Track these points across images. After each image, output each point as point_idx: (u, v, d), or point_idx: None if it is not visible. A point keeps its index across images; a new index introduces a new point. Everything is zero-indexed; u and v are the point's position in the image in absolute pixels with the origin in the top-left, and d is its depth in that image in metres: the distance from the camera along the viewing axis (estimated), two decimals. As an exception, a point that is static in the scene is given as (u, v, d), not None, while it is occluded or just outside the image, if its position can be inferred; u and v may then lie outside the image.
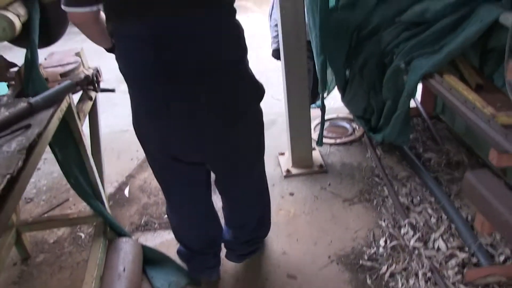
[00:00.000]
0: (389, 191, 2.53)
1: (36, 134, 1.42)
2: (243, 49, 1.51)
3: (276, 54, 3.13)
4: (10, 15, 1.85)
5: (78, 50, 2.49)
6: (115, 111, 3.63)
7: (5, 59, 2.15)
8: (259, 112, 1.71)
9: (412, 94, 2.22)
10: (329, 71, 2.91)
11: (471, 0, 1.98)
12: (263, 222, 2.08)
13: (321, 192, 2.60)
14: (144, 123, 1.56)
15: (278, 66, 2.73)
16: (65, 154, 2.04)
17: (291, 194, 2.62)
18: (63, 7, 1.43)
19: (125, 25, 1.35)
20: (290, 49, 2.51)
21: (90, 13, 1.42)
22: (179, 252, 2.11)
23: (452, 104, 1.87)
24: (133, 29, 1.33)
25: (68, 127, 1.99)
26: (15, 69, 2.14)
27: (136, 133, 1.63)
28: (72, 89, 1.80)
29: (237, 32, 1.47)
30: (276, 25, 3.35)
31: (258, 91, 1.64)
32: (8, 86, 2.11)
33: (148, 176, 2.91)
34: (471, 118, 1.72)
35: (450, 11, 2.05)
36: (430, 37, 2.13)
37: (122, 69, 1.45)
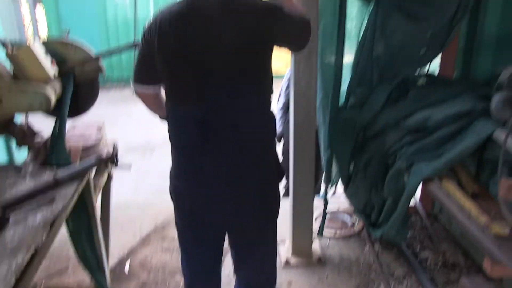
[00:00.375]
0: (386, 289, 2.56)
1: (60, 209, 1.52)
2: (273, 135, 1.82)
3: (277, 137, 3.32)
4: (48, 91, 2.03)
5: (100, 124, 2.66)
6: (121, 183, 3.69)
7: (32, 127, 2.31)
8: (279, 190, 1.92)
9: (412, 196, 2.33)
10: (334, 164, 3.04)
11: (469, 114, 2.16)
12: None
13: (319, 284, 2.63)
14: (180, 184, 1.75)
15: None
16: (77, 225, 2.12)
17: (289, 283, 2.65)
18: (131, 82, 1.76)
19: (182, 106, 1.64)
20: (300, 143, 2.66)
21: (152, 91, 1.74)
22: None
23: (449, 210, 1.97)
24: (187, 111, 1.62)
25: (83, 199, 2.09)
26: (40, 137, 2.30)
27: (170, 192, 1.81)
28: (97, 164, 1.92)
29: (271, 122, 1.76)
30: (282, 108, 3.57)
31: (281, 171, 1.89)
32: (28, 149, 2.25)
33: (149, 253, 2.95)
34: (466, 225, 1.82)
35: (450, 122, 2.22)
36: (431, 143, 2.28)
37: (171, 137, 1.72)
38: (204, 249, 1.88)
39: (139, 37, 1.78)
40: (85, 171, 1.83)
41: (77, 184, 1.75)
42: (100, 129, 2.60)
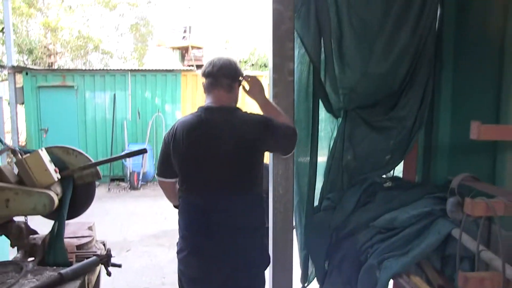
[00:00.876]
0: None
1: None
2: (263, 223, 2.33)
3: None
4: (52, 194, 2.22)
5: (91, 223, 2.82)
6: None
7: (28, 226, 2.45)
8: (264, 274, 2.39)
9: (384, 290, 2.52)
10: (310, 263, 3.23)
11: (430, 215, 2.45)
12: None
13: None
14: (185, 258, 2.22)
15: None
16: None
17: None
18: (156, 176, 2.36)
19: (190, 196, 2.18)
20: (279, 244, 2.85)
21: (172, 183, 2.33)
22: None
23: (419, 303, 2.17)
24: (194, 199, 2.16)
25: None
26: (35, 236, 2.43)
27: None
28: (97, 265, 2.06)
29: (261, 212, 2.29)
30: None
31: (268, 257, 2.43)
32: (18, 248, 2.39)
33: None
34: (435, 316, 2.01)
35: (414, 221, 2.50)
36: (398, 241, 2.52)
37: (180, 222, 2.23)
38: None
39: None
40: (87, 267, 1.98)
41: (80, 281, 1.88)
42: (90, 227, 2.76)
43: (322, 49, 2.87)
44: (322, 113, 3.09)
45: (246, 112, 2.29)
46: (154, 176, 9.99)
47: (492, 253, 1.87)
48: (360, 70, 2.91)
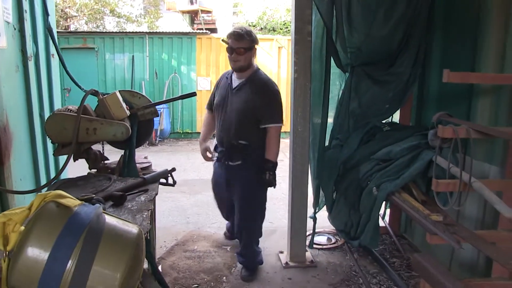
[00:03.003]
0: (364, 281, 3.38)
1: (154, 194, 2.36)
2: None
3: None
4: (127, 124, 2.89)
5: (145, 154, 3.51)
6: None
7: (101, 153, 3.13)
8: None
9: (380, 206, 3.22)
10: (321, 193, 3.93)
11: (418, 147, 3.12)
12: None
13: (312, 279, 3.44)
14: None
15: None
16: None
17: (289, 278, 3.45)
18: (278, 123, 3.27)
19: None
20: (296, 173, 3.55)
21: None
22: None
23: (405, 210, 2.86)
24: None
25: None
26: (106, 161, 3.11)
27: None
28: (166, 174, 2.76)
29: None
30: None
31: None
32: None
33: (176, 260, 3.71)
34: (416, 216, 2.71)
35: (405, 153, 3.17)
36: (393, 169, 3.20)
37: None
38: None
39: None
40: (160, 175, 2.68)
41: (158, 183, 2.59)
42: (146, 157, 3.45)
43: (334, 15, 3.48)
44: (333, 68, 3.72)
45: None
46: (170, 133, 10.67)
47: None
48: (364, 33, 3.52)
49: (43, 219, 1.25)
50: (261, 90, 3.21)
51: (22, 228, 1.25)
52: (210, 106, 3.63)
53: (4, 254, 1.23)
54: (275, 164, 3.25)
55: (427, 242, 2.55)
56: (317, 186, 3.84)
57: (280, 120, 3.24)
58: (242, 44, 3.16)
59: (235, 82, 3.33)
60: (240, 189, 3.40)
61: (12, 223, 1.24)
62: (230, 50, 3.20)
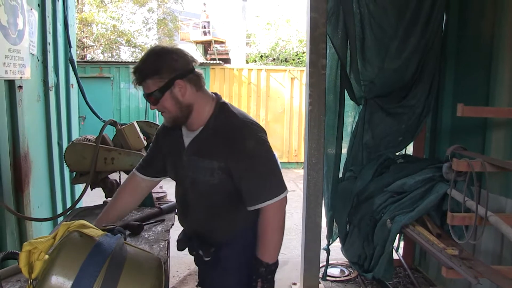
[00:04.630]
0: (378, 315, 3.34)
1: (171, 225, 2.38)
2: None
3: None
4: (144, 154, 2.93)
5: (161, 184, 3.55)
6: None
7: (118, 182, 3.17)
8: None
9: (394, 239, 3.20)
10: (335, 225, 3.92)
11: (432, 180, 3.12)
12: None
13: (326, 312, 3.40)
14: None
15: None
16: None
17: (303, 311, 3.40)
18: (281, 194, 1.82)
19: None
20: (310, 205, 3.55)
21: None
22: None
23: (420, 243, 2.85)
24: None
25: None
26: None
27: None
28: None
29: None
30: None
31: None
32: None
33: (189, 291, 3.70)
34: (431, 250, 2.69)
35: (419, 185, 3.17)
36: (407, 201, 3.20)
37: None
38: None
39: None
40: (176, 207, 2.70)
41: (174, 213, 2.61)
42: (161, 187, 3.49)
43: (348, 49, 3.55)
44: (347, 100, 3.76)
45: None
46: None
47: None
48: (378, 66, 3.57)
49: (67, 248, 1.28)
50: (233, 147, 1.78)
51: (47, 256, 1.28)
52: (142, 168, 2.13)
53: (29, 282, 1.26)
54: (272, 267, 1.85)
55: (442, 276, 2.53)
56: (330, 218, 3.83)
57: (280, 188, 1.82)
58: (147, 88, 1.77)
59: (187, 136, 1.91)
60: None
61: (37, 252, 1.27)
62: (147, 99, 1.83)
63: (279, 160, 1.83)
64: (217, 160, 1.79)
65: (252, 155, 1.77)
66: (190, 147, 1.87)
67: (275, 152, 2.04)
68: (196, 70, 1.81)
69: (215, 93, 1.92)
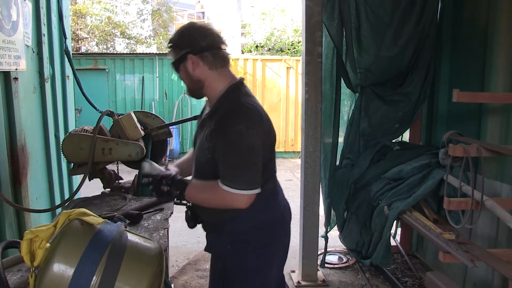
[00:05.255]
0: (376, 300, 3.37)
1: (170, 213, 2.39)
2: None
3: None
4: (142, 144, 2.94)
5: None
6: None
7: (116, 173, 3.18)
8: None
9: (392, 225, 3.23)
10: (332, 212, 3.94)
11: (428, 166, 3.14)
12: None
13: (325, 298, 3.43)
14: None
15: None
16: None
17: (302, 298, 3.44)
18: (249, 190, 1.79)
19: (266, 184, 1.91)
20: (308, 192, 3.57)
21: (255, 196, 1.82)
22: None
23: (417, 228, 2.87)
24: (269, 185, 1.96)
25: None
26: (120, 181, 3.15)
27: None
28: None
29: None
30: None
31: None
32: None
33: (188, 279, 3.72)
34: (428, 235, 2.72)
35: (416, 172, 3.19)
36: (404, 188, 3.22)
37: (255, 213, 1.89)
38: None
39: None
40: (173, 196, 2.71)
41: (173, 202, 2.62)
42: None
43: (344, 37, 3.55)
44: (343, 89, 3.77)
45: None
46: (179, 153, 10.71)
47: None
48: (374, 54, 3.58)
49: (69, 236, 1.29)
50: (221, 125, 1.80)
51: (48, 244, 1.29)
52: None
53: (31, 270, 1.27)
54: (176, 182, 2.00)
55: (440, 261, 2.56)
56: (328, 206, 3.85)
57: (248, 185, 1.79)
58: (169, 57, 1.96)
59: (205, 113, 2.05)
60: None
61: (39, 240, 1.28)
62: None
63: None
64: (208, 140, 1.83)
65: (232, 145, 1.77)
66: (199, 123, 2.03)
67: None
68: (220, 51, 1.89)
69: (240, 78, 1.97)
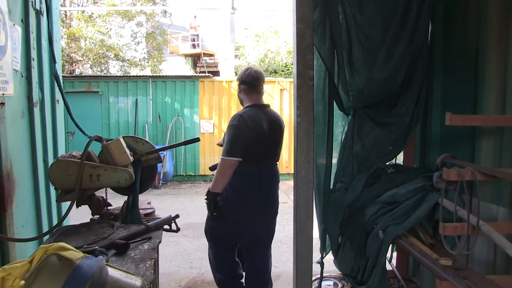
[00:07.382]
0: (373, 328, 3.28)
1: (158, 242, 2.32)
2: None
3: None
4: (131, 171, 2.88)
5: (149, 200, 3.49)
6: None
7: (104, 199, 3.11)
8: None
9: (387, 250, 3.16)
10: (327, 238, 3.87)
11: (423, 189, 3.09)
12: None
13: (320, 327, 3.33)
14: (236, 221, 3.34)
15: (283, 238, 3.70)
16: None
17: (296, 326, 3.34)
18: (226, 157, 3.16)
19: (248, 167, 3.21)
20: (301, 218, 3.50)
21: (238, 161, 3.16)
22: None
23: (413, 254, 2.81)
24: (252, 168, 3.25)
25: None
26: (109, 207, 3.09)
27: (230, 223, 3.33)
28: (170, 221, 2.73)
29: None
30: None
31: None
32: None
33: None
34: (424, 261, 2.65)
35: (411, 195, 3.14)
36: (398, 212, 3.16)
37: (230, 194, 3.28)
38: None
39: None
40: (164, 222, 2.64)
41: (161, 231, 2.55)
42: (149, 203, 3.43)
43: (335, 59, 3.53)
44: (336, 110, 3.73)
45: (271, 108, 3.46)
46: (173, 175, 10.65)
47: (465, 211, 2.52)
48: (366, 76, 3.56)
49: (45, 273, 1.22)
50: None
51: (23, 282, 1.22)
52: None
53: (4, 311, 1.20)
54: (211, 193, 3.25)
55: (437, 286, 2.49)
56: (323, 231, 3.78)
57: (226, 153, 3.16)
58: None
59: None
60: None
61: (12, 278, 1.22)
62: None
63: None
64: None
65: (227, 133, 3.23)
66: None
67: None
68: (252, 86, 3.39)
69: (260, 103, 3.40)
